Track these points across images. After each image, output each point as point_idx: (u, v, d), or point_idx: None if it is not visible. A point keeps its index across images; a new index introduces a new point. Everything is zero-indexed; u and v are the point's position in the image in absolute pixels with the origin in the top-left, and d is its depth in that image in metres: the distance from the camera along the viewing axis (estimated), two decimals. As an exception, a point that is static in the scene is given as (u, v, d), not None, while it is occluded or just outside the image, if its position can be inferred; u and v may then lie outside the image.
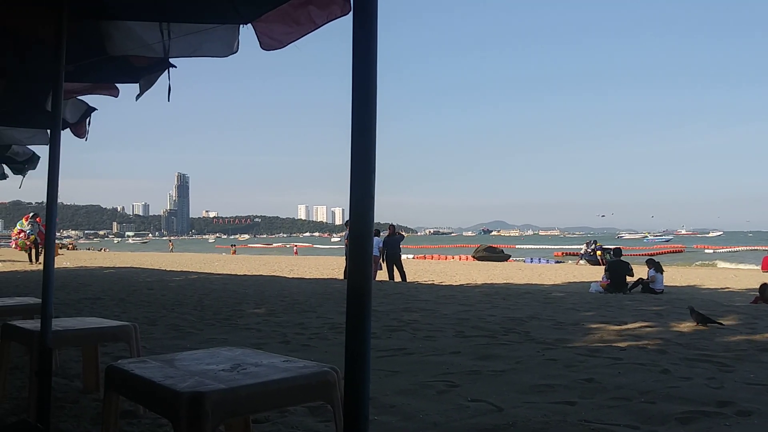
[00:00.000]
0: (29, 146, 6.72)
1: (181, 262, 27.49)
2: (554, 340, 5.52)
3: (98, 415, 3.18)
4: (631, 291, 13.40)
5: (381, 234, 16.62)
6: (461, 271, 23.33)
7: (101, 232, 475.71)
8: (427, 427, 3.06)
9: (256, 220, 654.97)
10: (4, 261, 22.52)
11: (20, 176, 7.23)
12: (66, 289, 10.89)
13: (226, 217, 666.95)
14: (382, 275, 16.14)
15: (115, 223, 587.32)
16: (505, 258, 37.11)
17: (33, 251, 20.93)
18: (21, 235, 21.17)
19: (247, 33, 3.28)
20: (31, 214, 21.38)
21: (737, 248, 60.15)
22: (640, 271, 14.38)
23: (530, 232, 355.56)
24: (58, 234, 40.47)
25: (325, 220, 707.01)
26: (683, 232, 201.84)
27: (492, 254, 37.50)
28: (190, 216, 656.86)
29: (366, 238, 1.50)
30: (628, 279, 13.83)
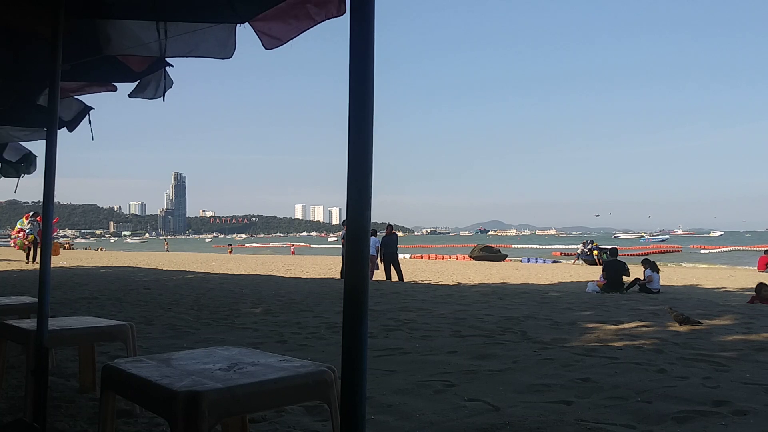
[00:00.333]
0: (24, 144, 6.71)
1: (178, 262, 27.45)
2: (551, 340, 5.53)
3: (95, 415, 3.17)
4: (628, 291, 13.43)
5: (378, 234, 16.63)
6: (458, 270, 23.34)
7: (98, 232, 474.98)
8: (423, 426, 3.06)
9: (253, 219, 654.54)
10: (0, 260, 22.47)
11: (14, 179, 7.19)
12: (62, 289, 10.87)
13: (223, 217, 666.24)
14: (379, 275, 16.14)
15: (111, 223, 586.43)
16: (502, 258, 37.15)
17: (32, 251, 20.87)
18: (20, 234, 21.11)
19: (244, 33, 3.28)
20: (31, 213, 21.30)
21: (726, 248, 60.52)
22: (637, 271, 14.41)
23: (527, 232, 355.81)
24: (55, 233, 40.36)
25: (322, 220, 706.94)
26: (680, 232, 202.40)
27: (489, 254, 37.52)
28: (187, 215, 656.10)
29: (362, 237, 1.50)
30: (625, 279, 13.87)
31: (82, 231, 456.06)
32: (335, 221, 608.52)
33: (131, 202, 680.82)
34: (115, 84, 4.49)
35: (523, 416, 3.19)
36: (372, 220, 1.55)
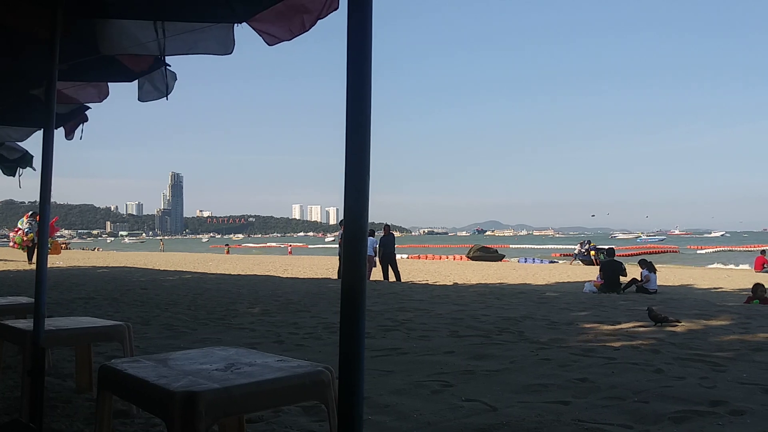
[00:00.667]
0: (21, 144, 6.68)
1: (175, 262, 27.43)
2: (548, 340, 5.54)
3: (91, 415, 3.17)
4: (625, 291, 13.45)
5: (376, 234, 16.63)
6: (455, 270, 23.35)
7: (95, 232, 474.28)
8: (421, 426, 3.06)
9: (251, 219, 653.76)
10: (-4, 260, 22.43)
11: (12, 177, 7.16)
12: (59, 289, 10.85)
13: (221, 217, 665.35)
14: (376, 275, 16.14)
15: (108, 223, 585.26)
16: (499, 258, 37.18)
17: (31, 250, 20.80)
18: (19, 233, 21.05)
19: (242, 32, 3.27)
20: (30, 213, 21.25)
21: (717, 248, 60.78)
22: (634, 271, 14.43)
23: (524, 232, 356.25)
24: (58, 233, 40.27)
25: (319, 220, 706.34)
26: (677, 232, 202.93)
27: (486, 254, 37.58)
28: (184, 215, 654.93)
29: (360, 237, 1.50)
30: (622, 279, 13.88)
31: (79, 231, 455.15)
32: (332, 221, 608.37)
33: (128, 202, 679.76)
34: (111, 86, 4.48)
35: (520, 416, 3.19)
36: (369, 220, 1.55)
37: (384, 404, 3.43)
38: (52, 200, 3.19)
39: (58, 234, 36.83)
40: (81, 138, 5.05)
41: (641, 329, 6.20)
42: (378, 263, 16.33)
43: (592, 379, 4.00)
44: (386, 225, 17.45)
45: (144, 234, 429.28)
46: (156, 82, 3.94)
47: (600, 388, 3.77)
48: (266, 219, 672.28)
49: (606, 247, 22.68)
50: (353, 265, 1.49)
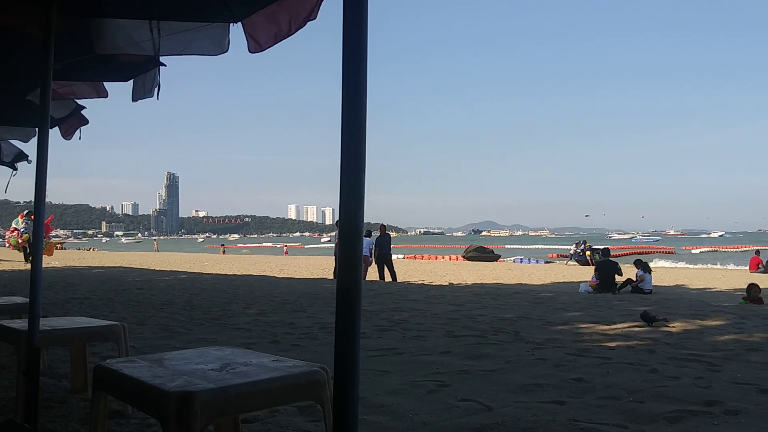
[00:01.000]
0: (16, 143, 6.66)
1: (171, 262, 27.38)
2: (544, 340, 5.54)
3: (86, 415, 3.16)
4: (620, 291, 13.48)
5: (372, 234, 16.64)
6: (451, 271, 23.37)
7: (90, 232, 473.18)
8: (416, 426, 3.06)
9: (246, 219, 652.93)
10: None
11: (6, 178, 7.13)
12: (54, 289, 10.82)
13: (216, 217, 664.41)
14: (372, 275, 16.14)
15: (104, 223, 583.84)
16: (495, 258, 37.21)
17: (27, 250, 20.69)
18: (14, 234, 20.92)
19: (238, 32, 3.27)
20: (25, 212, 21.09)
21: (705, 248, 61.11)
22: (629, 272, 14.46)
23: (520, 233, 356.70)
24: (53, 232, 40.16)
25: (315, 220, 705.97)
26: (672, 232, 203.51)
27: (482, 254, 37.59)
28: (180, 215, 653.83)
29: (356, 238, 1.50)
30: (617, 279, 13.91)
31: (74, 231, 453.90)
32: (328, 221, 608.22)
33: (123, 202, 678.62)
34: (108, 86, 4.47)
35: (515, 416, 3.19)
36: (365, 221, 1.56)
37: (380, 404, 3.43)
38: (47, 200, 3.18)
39: (54, 234, 36.60)
40: (80, 138, 5.04)
41: (636, 329, 6.21)
42: (374, 263, 16.34)
43: (588, 379, 4.01)
44: (382, 225, 17.46)
45: (140, 234, 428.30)
46: (148, 82, 3.94)
47: (595, 387, 3.78)
48: (262, 219, 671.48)
49: (601, 247, 22.72)
50: (349, 266, 1.50)
